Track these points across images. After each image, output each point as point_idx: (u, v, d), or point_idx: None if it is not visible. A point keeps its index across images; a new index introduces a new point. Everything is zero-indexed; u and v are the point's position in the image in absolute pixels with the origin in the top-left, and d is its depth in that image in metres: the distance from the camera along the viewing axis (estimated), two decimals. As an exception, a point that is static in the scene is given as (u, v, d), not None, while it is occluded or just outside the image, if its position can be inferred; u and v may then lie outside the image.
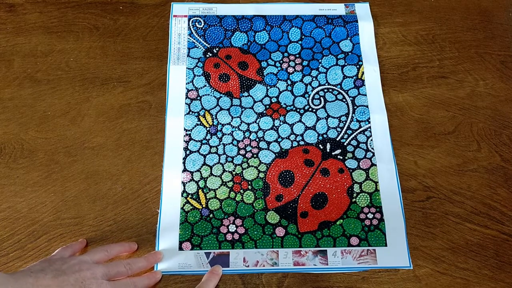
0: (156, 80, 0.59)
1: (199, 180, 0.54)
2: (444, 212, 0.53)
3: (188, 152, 0.55)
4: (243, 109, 0.58)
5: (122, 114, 0.57)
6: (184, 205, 0.52)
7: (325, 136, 0.56)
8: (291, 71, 0.60)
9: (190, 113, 0.57)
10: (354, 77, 0.60)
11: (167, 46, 0.61)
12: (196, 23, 0.63)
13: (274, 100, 0.59)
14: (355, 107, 0.58)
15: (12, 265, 0.49)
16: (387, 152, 0.55)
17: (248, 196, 0.53)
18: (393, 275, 0.49)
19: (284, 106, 0.58)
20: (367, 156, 0.55)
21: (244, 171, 0.54)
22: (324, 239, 0.51)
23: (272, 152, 0.55)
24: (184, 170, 0.54)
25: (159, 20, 0.63)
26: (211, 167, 0.54)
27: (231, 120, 0.57)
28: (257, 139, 0.56)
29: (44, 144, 0.55)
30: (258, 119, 0.57)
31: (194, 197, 0.53)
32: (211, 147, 0.55)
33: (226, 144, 0.56)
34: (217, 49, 0.61)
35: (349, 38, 0.62)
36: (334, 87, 0.59)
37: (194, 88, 0.59)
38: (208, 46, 0.62)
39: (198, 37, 0.62)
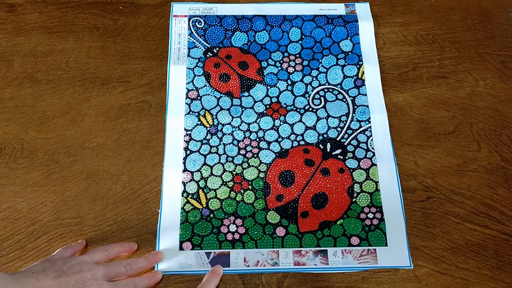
0: (156, 80, 0.59)
1: (199, 180, 0.54)
2: (444, 212, 0.53)
3: (188, 152, 0.55)
4: (243, 109, 0.58)
5: (122, 114, 0.57)
6: (184, 205, 0.52)
7: (325, 136, 0.56)
8: (291, 71, 0.60)
9: (191, 113, 0.57)
10: (354, 77, 0.60)
11: (167, 46, 0.61)
12: (196, 23, 0.63)
13: (274, 100, 0.59)
14: (355, 107, 0.58)
15: (12, 265, 0.49)
16: (387, 152, 0.55)
17: (248, 196, 0.53)
18: (393, 275, 0.49)
19: (285, 106, 0.58)
20: (367, 156, 0.55)
21: (244, 171, 0.54)
22: (324, 239, 0.51)
23: (272, 152, 0.55)
24: (185, 170, 0.54)
25: (159, 20, 0.63)
26: (211, 167, 0.54)
27: (232, 120, 0.57)
28: (258, 139, 0.56)
29: (44, 144, 0.55)
30: (259, 119, 0.57)
31: (194, 197, 0.53)
32: (211, 147, 0.55)
33: (227, 144, 0.56)
34: (217, 49, 0.61)
35: (349, 38, 0.62)
36: (334, 87, 0.59)
37: (194, 88, 0.59)
38: (208, 46, 0.62)
39: (198, 37, 0.62)
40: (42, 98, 0.58)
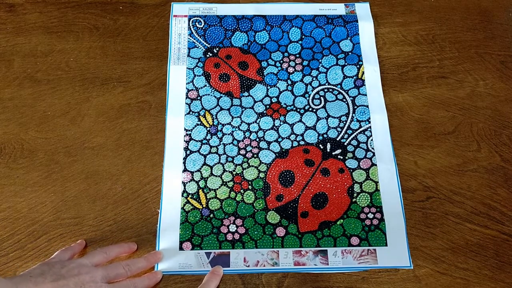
0: (156, 80, 0.59)
1: (199, 180, 0.54)
2: (444, 212, 0.53)
3: (188, 152, 0.55)
4: (243, 109, 0.58)
5: (122, 114, 0.57)
6: (184, 205, 0.52)
7: (325, 136, 0.56)
8: (291, 71, 0.60)
9: (190, 113, 0.57)
10: (354, 77, 0.60)
11: (167, 46, 0.61)
12: (196, 23, 0.63)
13: (274, 100, 0.59)
14: (355, 107, 0.58)
15: (12, 265, 0.49)
16: (387, 152, 0.55)
17: (248, 196, 0.53)
18: (393, 275, 0.49)
19: (284, 106, 0.58)
20: (367, 156, 0.55)
21: (244, 171, 0.54)
22: (324, 239, 0.51)
23: (272, 152, 0.55)
24: (185, 170, 0.54)
25: (159, 20, 0.63)
26: (211, 167, 0.54)
27: (232, 120, 0.57)
28: (258, 139, 0.56)
29: (44, 144, 0.55)
30: (259, 119, 0.57)
31: (194, 197, 0.53)
32: (211, 147, 0.55)
33: (227, 144, 0.56)
34: (217, 49, 0.61)
35: (349, 38, 0.62)
36: (334, 87, 0.59)
37: (194, 88, 0.59)
38: (208, 46, 0.62)
39: (198, 37, 0.62)
40: (42, 98, 0.58)
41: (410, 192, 0.54)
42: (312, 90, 0.59)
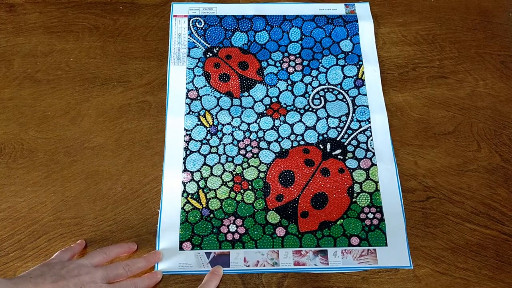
0: (156, 80, 0.59)
1: (199, 180, 0.54)
2: (444, 212, 0.53)
3: (188, 152, 0.55)
4: (243, 109, 0.58)
5: (122, 114, 0.57)
6: (184, 205, 0.52)
7: (325, 136, 0.56)
8: (291, 71, 0.60)
9: (190, 113, 0.57)
10: (354, 77, 0.60)
11: (167, 46, 0.61)
12: (196, 23, 0.63)
13: (274, 100, 0.59)
14: (355, 107, 0.58)
15: (12, 265, 0.49)
16: (387, 152, 0.55)
17: (248, 196, 0.53)
18: (393, 275, 0.49)
19: (284, 106, 0.58)
20: (367, 156, 0.55)
21: (244, 171, 0.54)
22: (324, 239, 0.51)
23: (272, 152, 0.55)
24: (185, 170, 0.54)
25: (159, 20, 0.63)
26: (211, 167, 0.54)
27: (232, 120, 0.57)
28: (258, 139, 0.56)
29: (44, 144, 0.55)
30: (259, 119, 0.57)
31: (194, 197, 0.53)
32: (211, 147, 0.55)
33: (227, 144, 0.56)
34: (217, 49, 0.61)
35: (349, 38, 0.62)
36: (334, 87, 0.59)
37: (194, 88, 0.59)
38: (208, 46, 0.62)
39: (198, 37, 0.62)
40: (42, 98, 0.58)
41: (410, 192, 0.54)
42: (312, 90, 0.59)
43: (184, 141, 0.56)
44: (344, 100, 0.59)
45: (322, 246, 0.51)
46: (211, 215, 0.52)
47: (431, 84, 0.60)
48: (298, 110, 0.58)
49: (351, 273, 0.50)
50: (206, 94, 0.58)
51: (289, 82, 0.60)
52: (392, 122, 0.57)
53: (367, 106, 0.58)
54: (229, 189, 0.53)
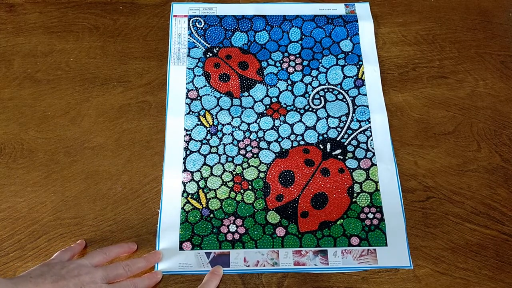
0: (156, 80, 0.59)
1: (199, 180, 0.54)
2: (444, 212, 0.53)
3: (188, 152, 0.55)
4: (243, 109, 0.58)
5: (122, 114, 0.57)
6: (184, 205, 0.52)
7: (325, 136, 0.56)
8: (291, 71, 0.60)
9: (190, 113, 0.57)
10: (354, 77, 0.60)
11: (167, 46, 0.61)
12: (196, 23, 0.63)
13: (274, 100, 0.59)
14: (355, 107, 0.58)
15: (12, 265, 0.49)
16: (387, 152, 0.55)
17: (248, 196, 0.53)
18: (393, 275, 0.49)
19: (284, 106, 0.58)
20: (367, 156, 0.55)
21: (244, 171, 0.54)
22: (324, 239, 0.51)
23: (272, 152, 0.55)
24: (185, 170, 0.54)
25: (159, 20, 0.63)
26: (211, 167, 0.54)
27: (232, 120, 0.57)
28: (258, 139, 0.56)
29: (44, 144, 0.55)
30: (259, 119, 0.57)
31: (194, 197, 0.53)
32: (211, 147, 0.55)
33: (227, 144, 0.56)
34: (217, 49, 0.61)
35: (349, 38, 0.62)
36: (334, 87, 0.59)
37: (194, 88, 0.59)
38: (208, 46, 0.62)
39: (198, 37, 0.62)
40: (42, 98, 0.58)
41: (410, 192, 0.54)
42: (312, 90, 0.59)
43: (184, 141, 0.56)
44: (344, 100, 0.59)
45: (322, 246, 0.51)
46: (211, 215, 0.52)
47: (431, 84, 0.60)
48: (298, 110, 0.58)
49: (351, 273, 0.50)
50: (206, 94, 0.58)
51: (289, 82, 0.60)
52: (392, 122, 0.57)
53: (367, 106, 0.58)
54: (229, 189, 0.53)
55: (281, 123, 0.57)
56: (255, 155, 0.55)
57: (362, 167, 0.55)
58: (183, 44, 0.62)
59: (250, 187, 0.53)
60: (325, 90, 0.59)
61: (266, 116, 0.57)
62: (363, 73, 0.60)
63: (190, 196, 0.53)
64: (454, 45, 0.63)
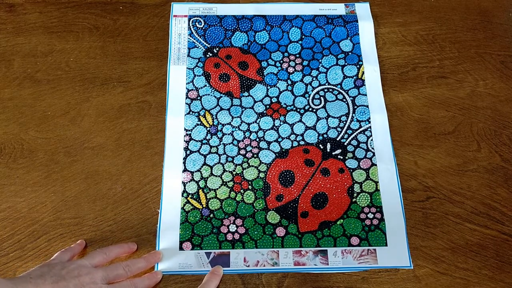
0: (156, 80, 0.59)
1: (199, 180, 0.54)
2: (444, 212, 0.53)
3: (188, 152, 0.55)
4: (243, 109, 0.58)
5: (122, 114, 0.57)
6: (184, 205, 0.52)
7: (325, 136, 0.56)
8: (291, 71, 0.60)
9: (190, 113, 0.57)
10: (354, 77, 0.60)
11: (167, 46, 0.61)
12: (196, 23, 0.63)
13: (274, 100, 0.59)
14: (355, 107, 0.58)
15: (12, 265, 0.49)
16: (387, 152, 0.55)
17: (248, 196, 0.53)
18: (393, 275, 0.49)
19: (284, 106, 0.58)
20: (367, 156, 0.55)
21: (244, 171, 0.54)
22: (324, 239, 0.51)
23: (272, 152, 0.55)
24: (185, 170, 0.54)
25: (159, 20, 0.63)
26: (211, 167, 0.54)
27: (232, 120, 0.57)
28: (258, 139, 0.56)
29: (44, 144, 0.55)
30: (259, 119, 0.57)
31: (194, 197, 0.53)
32: (211, 147, 0.55)
33: (227, 144, 0.56)
34: (217, 49, 0.61)
35: (349, 38, 0.62)
36: (334, 87, 0.59)
37: (194, 88, 0.59)
38: (208, 46, 0.62)
39: (198, 37, 0.62)
40: (42, 98, 0.58)
41: (410, 192, 0.54)
42: (312, 90, 0.59)
43: (184, 141, 0.56)
44: (344, 100, 0.59)
45: (322, 246, 0.51)
46: (211, 215, 0.52)
47: (431, 84, 0.60)
48: (298, 110, 0.58)
49: (351, 273, 0.50)
50: (206, 94, 0.58)
51: (289, 82, 0.60)
52: (392, 122, 0.57)
53: (367, 106, 0.58)
54: (229, 189, 0.53)
55: (281, 123, 0.57)
56: (255, 155, 0.55)
57: (362, 167, 0.55)
58: (183, 44, 0.62)
59: (250, 187, 0.53)
60: (325, 90, 0.59)
61: (266, 116, 0.57)
62: (363, 73, 0.60)
63: (190, 196, 0.53)
64: (454, 45, 0.63)
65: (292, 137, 0.56)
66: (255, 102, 0.58)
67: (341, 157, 0.55)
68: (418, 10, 0.65)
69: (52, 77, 0.59)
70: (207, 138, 0.56)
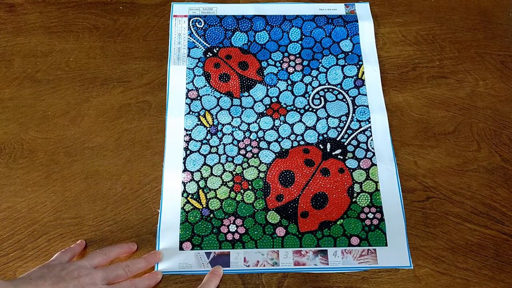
0: (156, 80, 0.59)
1: (199, 180, 0.54)
2: (444, 212, 0.53)
3: (188, 152, 0.55)
4: (243, 109, 0.58)
5: (122, 114, 0.57)
6: (184, 205, 0.52)
7: (325, 136, 0.56)
8: (291, 71, 0.60)
9: (191, 113, 0.57)
10: (354, 77, 0.60)
11: (167, 46, 0.61)
12: (196, 23, 0.63)
13: (274, 100, 0.59)
14: (355, 107, 0.58)
15: (12, 265, 0.49)
16: (387, 152, 0.55)
17: (248, 196, 0.53)
18: (393, 275, 0.49)
19: (284, 106, 0.58)
20: (367, 156, 0.55)
21: (244, 171, 0.54)
22: (324, 239, 0.51)
23: (272, 152, 0.55)
24: (185, 170, 0.54)
25: (159, 20, 0.63)
26: (211, 167, 0.54)
27: (232, 120, 0.57)
28: (258, 139, 0.56)
29: (44, 144, 0.55)
30: (259, 119, 0.57)
31: (194, 197, 0.53)
32: (211, 147, 0.55)
33: (227, 144, 0.56)
34: (217, 49, 0.61)
35: (349, 38, 0.62)
36: (334, 87, 0.59)
37: (194, 88, 0.59)
38: (208, 46, 0.62)
39: (198, 37, 0.62)
40: (42, 98, 0.58)
41: (410, 192, 0.54)
42: (312, 90, 0.59)
43: (184, 141, 0.56)
44: (344, 100, 0.59)
45: (322, 246, 0.51)
46: (211, 215, 0.52)
47: (431, 84, 0.60)
48: (298, 110, 0.58)
49: (351, 273, 0.50)
50: (206, 94, 0.58)
51: (289, 82, 0.60)
52: (392, 122, 0.57)
53: (367, 106, 0.58)
54: (229, 189, 0.53)
55: (281, 123, 0.57)
56: (255, 155, 0.55)
57: (362, 167, 0.55)
58: (183, 44, 0.62)
59: (250, 187, 0.53)
60: (325, 90, 0.59)
61: (266, 116, 0.57)
62: (363, 73, 0.60)
63: (190, 196, 0.53)
64: (454, 45, 0.63)
65: (292, 137, 0.56)
66: (255, 102, 0.58)
67: (341, 157, 0.55)
68: (418, 10, 0.65)
69: (52, 77, 0.59)
70: (207, 138, 0.56)
